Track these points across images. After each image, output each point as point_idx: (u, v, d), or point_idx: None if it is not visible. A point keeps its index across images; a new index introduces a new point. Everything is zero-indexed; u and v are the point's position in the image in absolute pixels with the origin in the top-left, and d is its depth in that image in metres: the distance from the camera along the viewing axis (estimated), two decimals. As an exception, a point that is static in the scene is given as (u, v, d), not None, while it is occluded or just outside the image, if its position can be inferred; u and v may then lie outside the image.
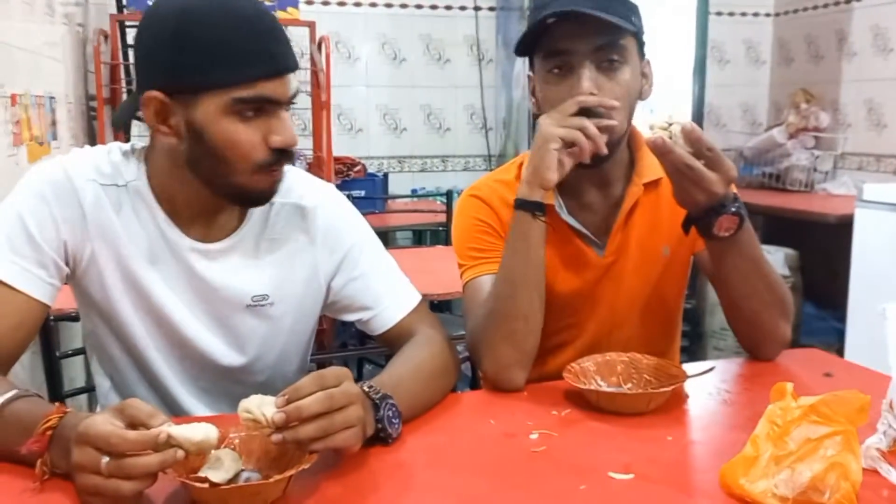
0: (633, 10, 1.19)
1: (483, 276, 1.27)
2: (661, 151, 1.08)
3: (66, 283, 1.12)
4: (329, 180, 2.96)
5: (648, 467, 0.91)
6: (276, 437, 0.84)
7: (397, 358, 1.14)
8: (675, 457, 0.96)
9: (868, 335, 2.87)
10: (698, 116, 3.76)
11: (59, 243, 1.07)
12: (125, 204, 1.10)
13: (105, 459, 0.77)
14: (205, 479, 0.80)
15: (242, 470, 0.86)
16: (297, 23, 3.27)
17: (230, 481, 0.82)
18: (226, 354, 1.17)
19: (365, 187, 3.70)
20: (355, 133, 4.10)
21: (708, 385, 1.18)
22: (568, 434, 1.02)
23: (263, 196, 1.08)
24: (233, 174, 1.02)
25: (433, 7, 4.12)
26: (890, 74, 3.73)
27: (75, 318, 1.68)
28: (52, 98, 2.27)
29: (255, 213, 1.16)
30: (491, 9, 4.14)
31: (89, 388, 2.16)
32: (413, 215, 3.56)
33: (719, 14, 4.33)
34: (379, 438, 0.96)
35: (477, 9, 4.13)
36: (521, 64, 3.72)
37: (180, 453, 0.79)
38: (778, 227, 3.60)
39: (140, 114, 1.04)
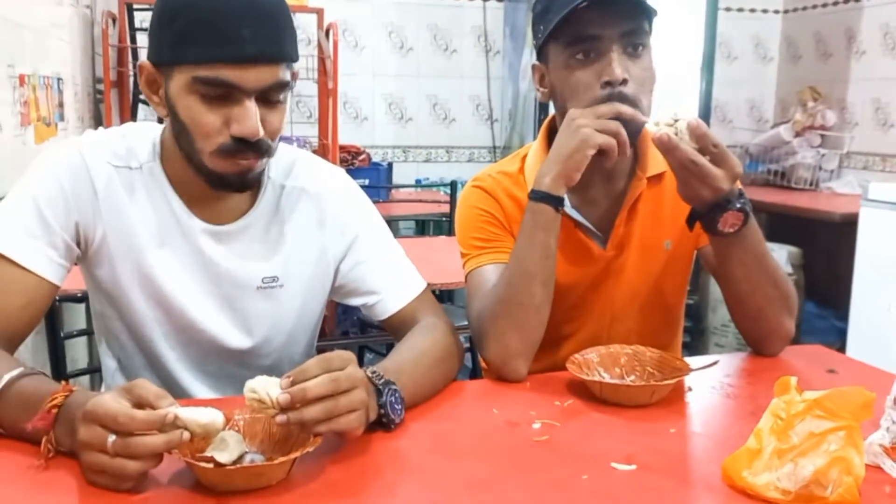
0: None
1: (487, 266, 1.28)
2: (667, 148, 1.08)
3: (75, 265, 1.12)
4: (334, 168, 2.95)
5: (651, 458, 0.91)
6: (281, 417, 0.84)
7: (401, 344, 1.14)
8: (677, 449, 0.97)
9: (870, 334, 2.88)
10: (705, 112, 3.75)
11: (71, 224, 1.07)
12: (138, 186, 1.10)
13: (112, 438, 0.77)
14: (210, 459, 0.80)
15: (246, 452, 0.87)
16: (305, 9, 3.27)
17: (234, 463, 0.82)
18: (234, 337, 1.18)
19: (369, 176, 3.70)
20: (360, 122, 4.10)
21: (711, 379, 1.18)
22: (570, 424, 1.02)
23: (231, 183, 1.06)
24: (198, 153, 1.03)
25: (441, -4, 4.11)
26: (898, 74, 3.72)
27: (80, 300, 1.68)
28: (59, 79, 2.27)
29: (266, 196, 1.16)
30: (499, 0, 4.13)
31: (92, 370, 2.17)
32: (416, 205, 3.55)
33: (728, 10, 4.32)
34: (381, 424, 0.96)
35: (485, -1, 4.13)
36: (529, 55, 3.72)
37: (186, 435, 0.79)
38: (781, 225, 3.60)
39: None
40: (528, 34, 3.74)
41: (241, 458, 0.85)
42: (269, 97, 1.02)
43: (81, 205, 1.07)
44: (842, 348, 2.96)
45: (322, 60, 3.28)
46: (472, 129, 4.27)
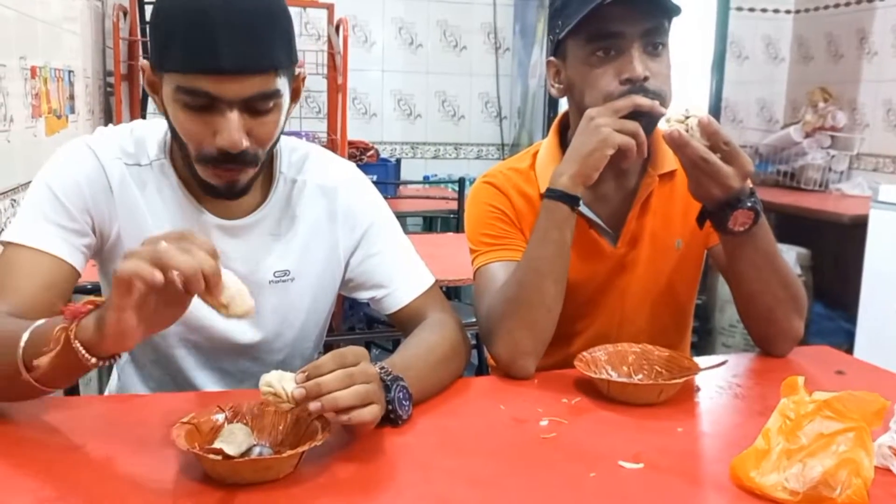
0: None
1: (496, 263, 1.27)
2: (678, 144, 1.07)
3: (92, 258, 1.13)
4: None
5: (659, 457, 0.91)
6: (315, 405, 0.84)
7: (409, 340, 1.14)
8: (685, 448, 0.96)
9: (878, 336, 2.87)
10: (715, 112, 3.74)
11: (88, 216, 1.08)
12: (149, 183, 1.11)
13: (164, 243, 0.79)
14: (218, 452, 0.80)
15: (255, 445, 0.87)
16: (315, 4, 3.28)
17: (242, 455, 0.83)
18: (245, 332, 1.18)
19: (377, 172, 3.70)
20: (369, 118, 4.10)
21: (719, 378, 1.17)
22: (578, 422, 1.02)
23: (219, 192, 1.05)
24: (190, 157, 1.03)
25: (452, -7, 4.11)
26: (910, 76, 3.70)
27: (90, 291, 1.69)
28: (70, 72, 2.27)
29: (278, 190, 1.16)
30: (509, -4, 4.13)
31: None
32: (424, 202, 3.56)
33: (739, 10, 4.30)
34: (389, 420, 0.96)
35: (495, -4, 4.12)
36: (538, 53, 3.71)
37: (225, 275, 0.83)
38: (791, 226, 3.58)
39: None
40: (537, 31, 3.73)
41: (249, 450, 0.85)
42: (255, 107, 0.99)
43: (98, 203, 1.08)
44: (850, 350, 2.95)
45: (332, 56, 3.28)
46: (481, 127, 4.26)
